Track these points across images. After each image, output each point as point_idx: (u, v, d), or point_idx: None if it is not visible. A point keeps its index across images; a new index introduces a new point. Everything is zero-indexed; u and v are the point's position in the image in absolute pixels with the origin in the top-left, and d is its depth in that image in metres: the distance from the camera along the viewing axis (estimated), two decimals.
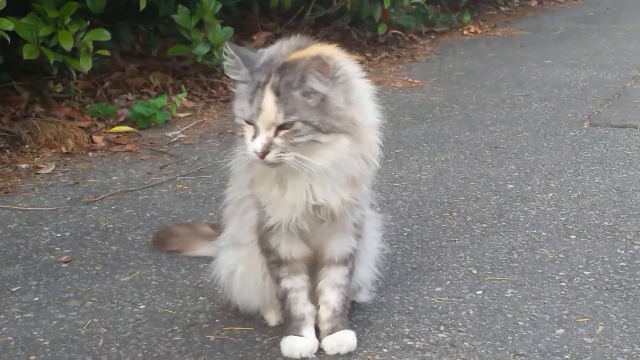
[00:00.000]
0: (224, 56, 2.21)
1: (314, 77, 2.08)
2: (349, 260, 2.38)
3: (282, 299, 2.36)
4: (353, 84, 2.18)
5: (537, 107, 5.21)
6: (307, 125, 2.09)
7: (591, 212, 3.41)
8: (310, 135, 2.10)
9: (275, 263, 2.34)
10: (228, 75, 2.23)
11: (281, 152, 2.10)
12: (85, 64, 4.37)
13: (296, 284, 2.35)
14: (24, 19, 4.18)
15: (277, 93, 2.08)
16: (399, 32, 7.37)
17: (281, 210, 2.24)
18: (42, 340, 2.47)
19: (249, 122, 2.13)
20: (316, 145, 2.11)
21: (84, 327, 2.54)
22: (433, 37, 7.91)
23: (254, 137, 2.12)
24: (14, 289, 2.80)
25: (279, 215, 2.25)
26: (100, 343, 2.44)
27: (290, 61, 2.12)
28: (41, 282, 2.85)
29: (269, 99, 2.08)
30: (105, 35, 4.44)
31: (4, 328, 2.54)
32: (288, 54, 2.17)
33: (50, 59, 4.23)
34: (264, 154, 2.10)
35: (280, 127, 2.10)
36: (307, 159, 2.11)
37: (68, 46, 4.21)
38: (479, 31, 8.38)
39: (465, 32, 8.26)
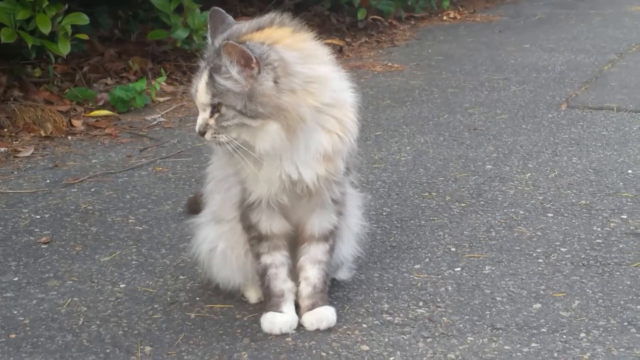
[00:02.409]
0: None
1: (228, 62, 2.11)
2: (330, 237, 2.39)
3: (262, 275, 2.38)
4: (293, 70, 2.13)
5: (515, 90, 5.25)
6: (230, 109, 2.14)
7: (568, 192, 3.45)
8: (237, 119, 2.14)
9: (255, 239, 2.36)
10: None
11: (215, 133, 2.18)
12: (64, 48, 4.34)
13: (276, 259, 2.36)
14: (1, 3, 4.14)
15: (210, 75, 2.15)
16: (379, 18, 7.38)
17: (259, 185, 2.26)
18: (22, 319, 2.47)
19: None
20: (249, 128, 2.14)
21: (64, 306, 2.54)
22: (413, 22, 7.93)
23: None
24: None
25: (258, 190, 2.27)
26: (81, 321, 2.45)
27: (226, 45, 2.10)
28: (21, 263, 2.84)
29: (202, 81, 2.17)
30: (83, 19, 4.41)
31: None
32: (245, 34, 2.18)
33: (29, 43, 4.20)
34: (201, 133, 2.21)
35: (214, 110, 2.17)
36: (246, 141, 2.16)
37: (46, 30, 4.18)
38: (458, 17, 8.41)
39: (444, 18, 8.29)
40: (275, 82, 2.11)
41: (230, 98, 2.13)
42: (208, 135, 2.20)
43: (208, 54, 2.22)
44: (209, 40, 2.28)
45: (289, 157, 2.20)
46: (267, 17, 2.24)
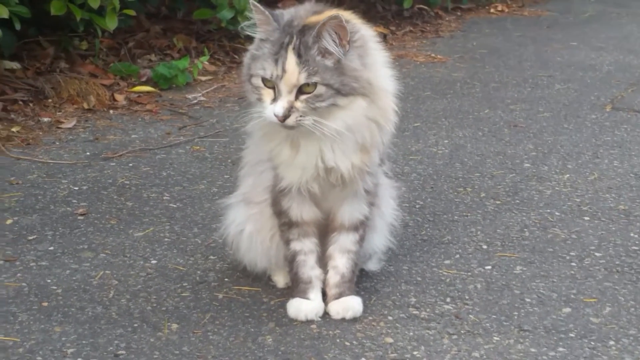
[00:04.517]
0: (249, 14, 2.22)
1: (328, 36, 2.09)
2: (360, 227, 2.40)
3: (291, 261, 2.39)
4: (370, 48, 2.20)
5: (559, 88, 5.18)
6: (329, 88, 2.11)
7: (607, 195, 3.40)
8: (331, 99, 2.12)
9: (286, 225, 2.37)
10: (249, 34, 2.23)
11: (301, 116, 2.12)
12: (111, 23, 4.39)
13: (305, 246, 2.37)
14: None
15: (299, 55, 2.10)
16: (425, 7, 7.33)
17: (292, 171, 2.26)
18: (55, 288, 2.51)
19: (267, 84, 2.15)
20: (333, 108, 2.13)
21: (96, 278, 2.58)
22: (459, 13, 7.86)
23: (274, 100, 2.13)
24: (30, 238, 2.84)
25: (291, 176, 2.27)
26: (111, 294, 2.49)
27: (310, 23, 2.13)
28: (57, 233, 2.89)
29: (291, 61, 2.10)
30: None
31: (19, 274, 2.59)
32: (306, 16, 2.18)
33: (77, 16, 4.26)
34: (284, 117, 2.11)
35: (301, 91, 2.11)
36: (324, 122, 2.13)
37: (95, 4, 4.23)
38: (506, 10, 8.30)
39: (492, 10, 8.19)
40: (360, 57, 2.15)
41: (328, 76, 2.10)
42: (291, 120, 2.12)
43: (277, 34, 2.14)
44: (275, 21, 2.16)
45: (330, 144, 2.20)
46: (308, 4, 2.25)
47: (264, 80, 2.15)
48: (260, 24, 2.19)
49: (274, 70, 2.11)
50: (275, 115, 2.11)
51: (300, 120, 2.12)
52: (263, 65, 2.14)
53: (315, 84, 2.10)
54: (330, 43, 2.10)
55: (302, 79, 2.10)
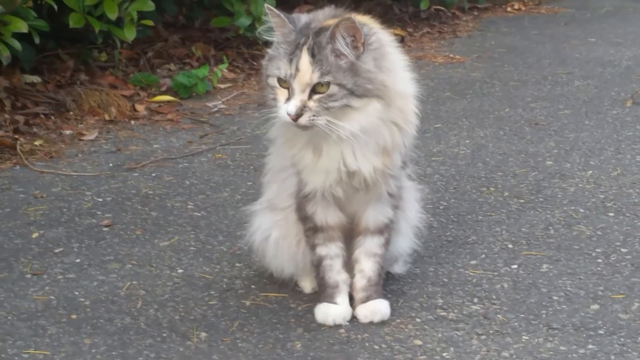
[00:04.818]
0: (264, 17, 2.24)
1: (341, 38, 2.10)
2: (385, 230, 2.40)
3: (317, 266, 2.40)
4: (386, 51, 2.21)
5: (579, 85, 5.16)
6: (342, 88, 2.12)
7: (631, 191, 3.38)
8: (345, 100, 2.12)
9: (311, 230, 2.37)
10: (266, 38, 2.25)
11: (314, 116, 2.13)
12: (130, 34, 4.42)
13: (331, 251, 2.38)
14: None
15: (312, 54, 2.12)
16: (441, 8, 7.31)
17: (315, 176, 2.27)
18: (83, 300, 2.53)
19: (282, 84, 2.17)
20: (347, 109, 2.14)
21: (124, 289, 2.60)
22: (476, 13, 7.83)
23: (288, 99, 2.15)
24: (56, 250, 2.87)
25: (314, 181, 2.28)
26: (139, 304, 2.50)
27: (326, 25, 2.15)
28: (83, 245, 2.91)
29: (305, 60, 2.12)
30: (149, 5, 4.47)
31: (47, 287, 2.61)
32: (324, 20, 2.20)
33: (96, 28, 4.29)
34: (297, 116, 2.13)
35: (314, 91, 2.13)
36: (338, 123, 2.14)
37: (113, 15, 4.27)
38: (523, 8, 8.26)
39: (508, 9, 8.15)
40: (375, 60, 2.15)
41: (341, 76, 2.12)
42: (304, 119, 2.13)
43: (294, 36, 2.16)
44: (290, 23, 2.18)
45: (351, 148, 2.20)
46: (327, 9, 2.27)
47: (279, 80, 2.18)
48: (276, 27, 2.21)
49: (288, 69, 2.14)
50: (288, 114, 2.13)
51: (313, 119, 2.13)
52: (278, 65, 2.16)
53: (328, 84, 2.12)
54: (343, 44, 2.11)
55: (315, 78, 2.12)
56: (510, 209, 3.22)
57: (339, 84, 2.11)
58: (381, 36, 2.23)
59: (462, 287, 2.59)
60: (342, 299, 2.39)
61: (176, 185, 3.47)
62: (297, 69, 2.12)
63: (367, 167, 2.24)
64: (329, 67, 2.11)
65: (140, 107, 4.51)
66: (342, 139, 2.16)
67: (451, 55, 6.03)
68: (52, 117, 4.24)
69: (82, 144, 4.00)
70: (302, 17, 2.24)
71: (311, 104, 2.13)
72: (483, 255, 2.82)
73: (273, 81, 2.19)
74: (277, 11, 2.20)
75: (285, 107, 2.14)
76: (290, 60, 2.13)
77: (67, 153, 3.87)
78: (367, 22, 2.24)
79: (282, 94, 2.17)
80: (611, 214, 3.15)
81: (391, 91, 2.18)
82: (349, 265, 2.42)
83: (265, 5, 2.26)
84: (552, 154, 3.85)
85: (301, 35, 2.15)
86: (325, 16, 2.24)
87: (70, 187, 3.46)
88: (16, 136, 3.95)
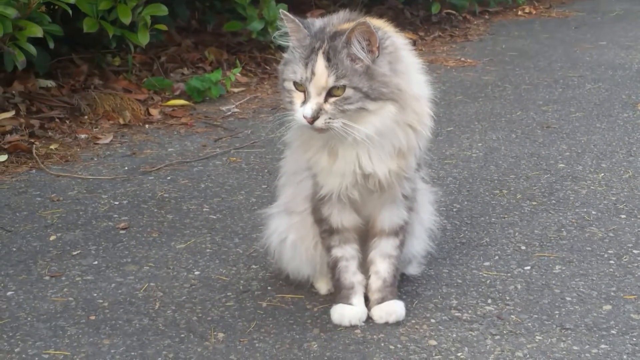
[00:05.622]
0: (279, 23, 2.26)
1: (357, 42, 2.13)
2: (400, 232, 2.42)
3: (333, 268, 2.42)
4: (401, 55, 2.23)
5: (590, 88, 5.17)
6: (357, 92, 2.14)
7: None
8: (360, 103, 2.15)
9: (327, 232, 2.40)
10: (281, 43, 2.28)
11: (330, 119, 2.16)
12: (143, 38, 4.46)
13: (347, 252, 2.41)
14: None
15: (328, 58, 2.14)
16: (453, 12, 7.34)
17: (331, 179, 2.30)
18: (101, 301, 2.57)
19: (298, 88, 2.20)
20: (363, 112, 2.16)
21: (141, 291, 2.63)
22: (487, 17, 7.86)
23: (304, 102, 2.18)
24: (74, 253, 2.91)
25: (330, 184, 2.31)
26: (157, 306, 2.53)
27: (341, 29, 2.18)
28: (100, 247, 2.95)
29: (320, 64, 2.14)
30: (162, 10, 4.52)
31: (65, 289, 2.65)
32: (339, 24, 2.23)
33: (110, 33, 4.34)
34: (313, 119, 2.16)
35: (330, 94, 2.15)
36: (353, 125, 2.16)
37: (127, 20, 4.31)
38: (534, 12, 8.29)
39: (519, 13, 8.18)
40: (390, 63, 2.18)
41: (357, 79, 2.14)
42: (320, 122, 2.16)
43: (309, 40, 2.19)
44: (305, 28, 2.21)
45: (367, 150, 2.23)
46: (342, 13, 2.30)
47: (295, 83, 2.21)
48: (291, 32, 2.24)
49: (304, 73, 2.17)
50: (304, 117, 2.16)
51: (329, 122, 2.16)
52: (294, 69, 2.19)
53: (343, 87, 2.14)
54: (359, 48, 2.14)
55: (331, 82, 2.14)
56: (522, 211, 3.24)
57: (355, 87, 2.14)
58: (395, 40, 2.26)
59: (476, 288, 2.62)
60: (358, 300, 2.42)
61: (191, 189, 3.51)
62: (313, 73, 2.15)
63: (382, 169, 2.26)
64: (344, 71, 2.14)
65: (154, 111, 4.55)
66: (358, 142, 2.19)
67: (463, 59, 6.06)
68: (67, 121, 4.29)
69: (97, 148, 4.04)
70: (317, 22, 2.27)
71: (327, 106, 2.16)
72: (496, 257, 2.84)
73: (289, 85, 2.22)
74: (292, 16, 2.23)
75: (302, 110, 2.17)
76: (306, 64, 2.16)
77: (82, 157, 3.92)
78: (381, 26, 2.27)
79: (298, 97, 2.20)
80: (623, 216, 3.17)
81: (406, 94, 2.21)
82: (365, 267, 2.45)
83: (281, 11, 2.28)
84: (564, 156, 3.87)
85: (316, 40, 2.18)
86: (339, 20, 2.27)
87: (87, 191, 3.49)
88: (32, 140, 4.00)
